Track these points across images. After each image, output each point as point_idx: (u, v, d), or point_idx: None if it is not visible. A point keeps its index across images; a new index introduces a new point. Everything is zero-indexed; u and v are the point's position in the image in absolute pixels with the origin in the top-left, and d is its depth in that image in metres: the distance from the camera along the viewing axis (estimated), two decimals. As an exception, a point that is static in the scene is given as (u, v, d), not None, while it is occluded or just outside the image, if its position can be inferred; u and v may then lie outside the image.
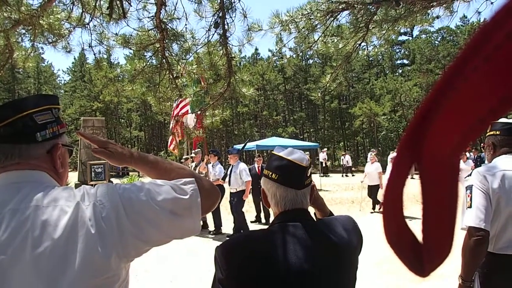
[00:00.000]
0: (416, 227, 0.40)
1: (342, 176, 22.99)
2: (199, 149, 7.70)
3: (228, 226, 7.80)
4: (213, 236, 7.39)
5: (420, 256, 0.40)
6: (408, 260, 0.42)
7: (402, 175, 0.39)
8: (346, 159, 24.27)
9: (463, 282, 1.92)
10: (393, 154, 21.83)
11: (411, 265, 0.42)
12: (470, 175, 2.00)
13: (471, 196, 1.90)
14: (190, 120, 7.28)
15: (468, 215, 1.87)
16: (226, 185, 7.52)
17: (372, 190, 9.49)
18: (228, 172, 7.36)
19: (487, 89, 0.29)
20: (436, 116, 0.34)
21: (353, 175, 22.83)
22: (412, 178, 0.42)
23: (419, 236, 0.40)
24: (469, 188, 1.93)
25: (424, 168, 0.37)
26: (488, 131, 2.13)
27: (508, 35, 0.26)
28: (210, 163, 7.75)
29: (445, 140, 0.34)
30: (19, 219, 0.79)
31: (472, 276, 1.90)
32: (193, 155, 8.23)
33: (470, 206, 1.88)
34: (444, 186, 0.36)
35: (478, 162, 10.38)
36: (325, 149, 27.08)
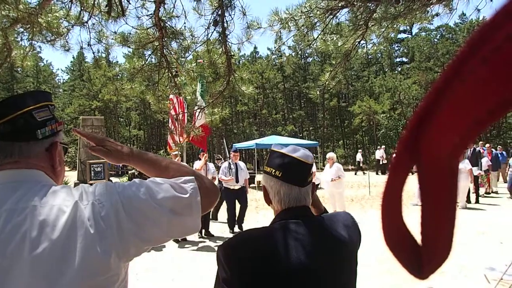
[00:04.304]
0: (415, 228, 0.40)
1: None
2: (178, 149, 7.63)
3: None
4: (214, 235, 7.39)
5: (419, 258, 0.40)
6: (407, 262, 0.42)
7: (400, 176, 0.39)
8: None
9: None
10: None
11: (410, 267, 0.42)
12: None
13: None
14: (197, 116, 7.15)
15: None
16: (216, 182, 7.61)
17: None
18: (234, 170, 7.49)
19: (485, 90, 0.28)
20: (434, 117, 0.33)
21: (355, 174, 22.88)
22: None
23: (418, 237, 0.40)
24: None
25: (422, 170, 0.37)
26: None
27: (507, 37, 0.26)
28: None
29: (443, 141, 0.34)
30: (17, 219, 0.77)
31: None
32: (176, 152, 7.91)
33: None
34: (442, 188, 0.36)
35: (475, 155, 10.70)
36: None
